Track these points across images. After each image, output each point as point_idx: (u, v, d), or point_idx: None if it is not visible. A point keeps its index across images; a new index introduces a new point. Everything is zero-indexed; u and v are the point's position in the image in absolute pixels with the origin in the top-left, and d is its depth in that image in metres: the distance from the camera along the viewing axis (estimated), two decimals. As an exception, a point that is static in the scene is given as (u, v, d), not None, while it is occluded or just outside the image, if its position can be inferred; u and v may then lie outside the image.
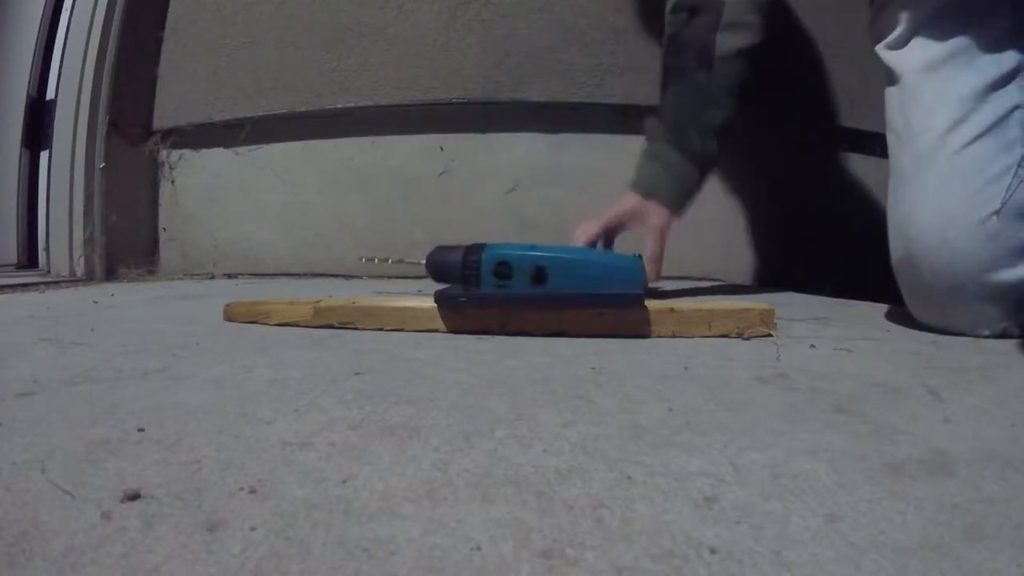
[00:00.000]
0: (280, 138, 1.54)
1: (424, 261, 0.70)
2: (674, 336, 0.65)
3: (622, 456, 0.31)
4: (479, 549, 0.22)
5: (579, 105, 1.48)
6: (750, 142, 1.42)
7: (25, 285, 1.18)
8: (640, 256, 0.75)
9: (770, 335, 0.64)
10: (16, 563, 0.21)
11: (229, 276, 1.54)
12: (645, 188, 0.98)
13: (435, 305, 0.67)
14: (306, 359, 0.53)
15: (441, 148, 1.50)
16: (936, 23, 0.70)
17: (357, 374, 0.47)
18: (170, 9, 1.55)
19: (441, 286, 0.68)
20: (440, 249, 0.67)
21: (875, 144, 1.57)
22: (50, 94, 1.54)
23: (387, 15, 1.48)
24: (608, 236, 0.98)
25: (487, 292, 0.64)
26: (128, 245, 1.49)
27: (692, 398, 0.42)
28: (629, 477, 0.29)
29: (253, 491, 0.26)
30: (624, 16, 1.47)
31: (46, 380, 0.44)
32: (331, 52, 1.49)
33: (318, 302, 0.69)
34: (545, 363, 0.52)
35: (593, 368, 0.50)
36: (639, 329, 0.65)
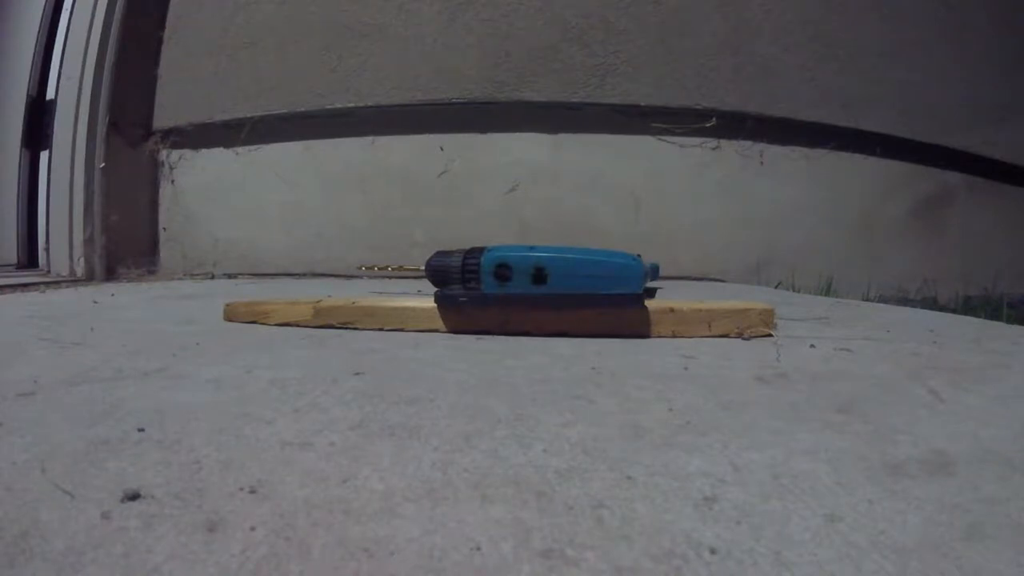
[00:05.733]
0: (280, 138, 1.54)
1: (423, 267, 0.70)
2: (674, 336, 0.65)
3: (622, 456, 0.31)
4: (479, 549, 0.22)
5: (579, 105, 1.48)
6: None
7: (25, 285, 1.18)
8: (640, 256, 0.75)
9: (770, 335, 0.64)
10: (16, 563, 0.21)
11: (229, 276, 1.54)
12: None
13: (435, 305, 0.67)
14: (306, 359, 0.53)
15: (441, 148, 1.50)
16: None
17: (357, 374, 0.47)
18: (170, 9, 1.55)
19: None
20: (439, 254, 0.67)
21: (875, 144, 1.58)
22: (50, 94, 1.54)
23: (387, 15, 1.48)
24: None
25: (487, 292, 0.64)
26: (128, 245, 1.49)
27: (692, 398, 0.42)
28: (629, 477, 0.29)
29: (253, 491, 0.26)
30: (624, 16, 1.47)
31: (46, 380, 0.44)
32: (331, 52, 1.49)
33: (318, 302, 0.69)
34: (545, 363, 0.52)
35: (593, 368, 0.50)
36: (639, 329, 0.65)
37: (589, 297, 0.64)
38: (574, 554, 0.22)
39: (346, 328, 0.68)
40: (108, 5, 1.43)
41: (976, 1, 1.69)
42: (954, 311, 1.30)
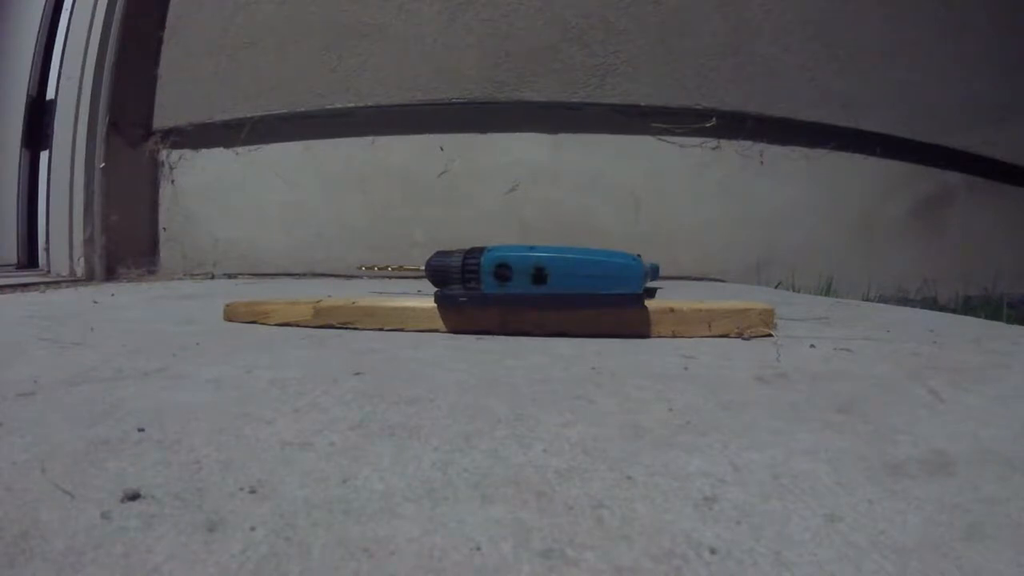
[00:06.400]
0: (280, 138, 1.54)
1: (423, 267, 0.69)
2: (674, 336, 0.65)
3: (622, 456, 0.31)
4: (479, 549, 0.22)
5: (579, 105, 1.48)
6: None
7: (25, 285, 1.18)
8: (640, 256, 0.75)
9: (770, 335, 0.64)
10: (16, 563, 0.21)
11: (229, 276, 1.54)
12: None
13: (435, 305, 0.67)
14: (306, 359, 0.53)
15: (441, 148, 1.50)
16: None
17: (357, 374, 0.47)
18: (170, 9, 1.55)
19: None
20: (439, 254, 0.67)
21: (875, 144, 1.58)
22: (50, 94, 1.54)
23: (387, 15, 1.48)
24: None
25: (487, 292, 0.64)
26: (128, 245, 1.49)
27: (692, 398, 0.42)
28: (629, 477, 0.29)
29: (253, 491, 0.26)
30: (624, 16, 1.47)
31: (46, 380, 0.44)
32: (331, 52, 1.49)
33: (318, 302, 0.69)
34: (545, 363, 0.52)
35: (593, 368, 0.50)
36: (639, 329, 0.65)
37: (589, 297, 0.64)
38: (574, 554, 0.22)
39: (346, 328, 0.68)
40: (108, 5, 1.43)
41: (976, 1, 1.69)
42: (954, 311, 1.30)
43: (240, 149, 1.55)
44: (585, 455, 0.31)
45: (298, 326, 0.69)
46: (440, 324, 0.67)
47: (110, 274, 1.43)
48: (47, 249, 1.52)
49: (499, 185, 1.51)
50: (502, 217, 1.51)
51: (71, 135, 1.43)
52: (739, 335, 0.64)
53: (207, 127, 1.54)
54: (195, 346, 0.58)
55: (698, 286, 1.37)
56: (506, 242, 0.71)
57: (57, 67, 1.52)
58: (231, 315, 0.74)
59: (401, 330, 0.67)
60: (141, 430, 0.34)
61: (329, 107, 1.49)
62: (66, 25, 1.50)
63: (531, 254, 0.64)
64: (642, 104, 1.48)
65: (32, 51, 1.59)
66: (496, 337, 0.65)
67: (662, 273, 1.24)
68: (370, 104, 1.48)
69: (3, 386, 0.42)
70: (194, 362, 0.51)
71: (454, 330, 0.67)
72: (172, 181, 1.57)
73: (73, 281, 1.35)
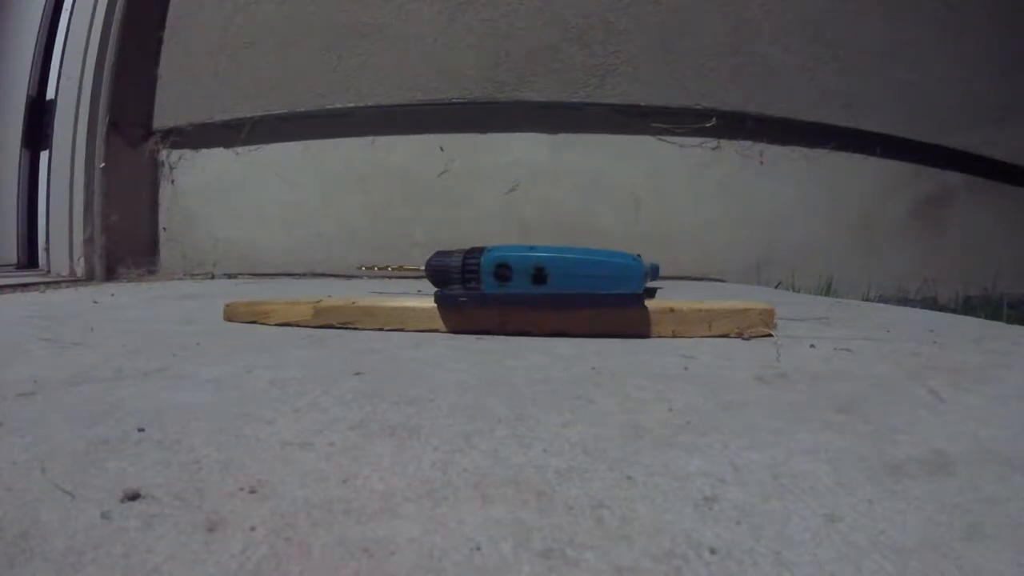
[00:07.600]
0: (280, 138, 1.54)
1: (423, 267, 0.69)
2: (674, 336, 0.65)
3: (622, 456, 0.31)
4: (479, 549, 0.22)
5: (579, 105, 1.48)
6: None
7: (25, 285, 1.18)
8: (640, 256, 0.75)
9: (770, 335, 0.64)
10: (16, 563, 0.21)
11: (229, 276, 1.54)
12: None
13: (435, 305, 0.67)
14: (306, 359, 0.53)
15: (441, 148, 1.50)
16: None
17: (357, 374, 0.47)
18: (170, 9, 1.55)
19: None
20: (439, 254, 0.67)
21: (875, 144, 1.57)
22: (50, 94, 1.54)
23: (387, 15, 1.48)
24: None
25: (487, 292, 0.64)
26: (128, 245, 1.49)
27: (692, 398, 0.42)
28: (629, 477, 0.29)
29: (253, 491, 0.26)
30: (624, 16, 1.47)
31: (46, 380, 0.44)
32: (331, 52, 1.49)
33: (318, 302, 0.69)
34: (545, 363, 0.52)
35: (593, 368, 0.50)
36: (639, 329, 0.65)
37: (589, 297, 0.64)
38: (574, 554, 0.22)
39: (346, 328, 0.68)
40: (108, 5, 1.43)
41: (976, 1, 1.69)
42: (954, 311, 1.30)
43: (240, 149, 1.55)
44: (585, 455, 0.31)
45: (298, 326, 0.69)
46: (440, 324, 0.67)
47: (110, 274, 1.43)
48: (47, 249, 1.52)
49: (499, 185, 1.51)
50: (502, 217, 1.51)
51: (71, 135, 1.43)
52: (739, 335, 0.64)
53: (207, 127, 1.54)
54: (195, 346, 0.58)
55: (698, 286, 1.37)
56: (506, 242, 0.71)
57: (57, 67, 1.52)
58: (231, 315, 0.74)
59: (401, 330, 0.67)
60: (141, 430, 0.34)
61: (329, 107, 1.49)
62: (66, 25, 1.50)
63: (531, 254, 0.64)
64: (642, 104, 1.48)
65: (32, 51, 1.59)
66: (496, 337, 0.65)
67: (662, 273, 1.24)
68: (370, 104, 1.48)
69: (3, 386, 0.42)
70: (194, 362, 0.51)
71: (454, 330, 0.67)
72: (172, 181, 1.57)
73: (73, 281, 1.35)
